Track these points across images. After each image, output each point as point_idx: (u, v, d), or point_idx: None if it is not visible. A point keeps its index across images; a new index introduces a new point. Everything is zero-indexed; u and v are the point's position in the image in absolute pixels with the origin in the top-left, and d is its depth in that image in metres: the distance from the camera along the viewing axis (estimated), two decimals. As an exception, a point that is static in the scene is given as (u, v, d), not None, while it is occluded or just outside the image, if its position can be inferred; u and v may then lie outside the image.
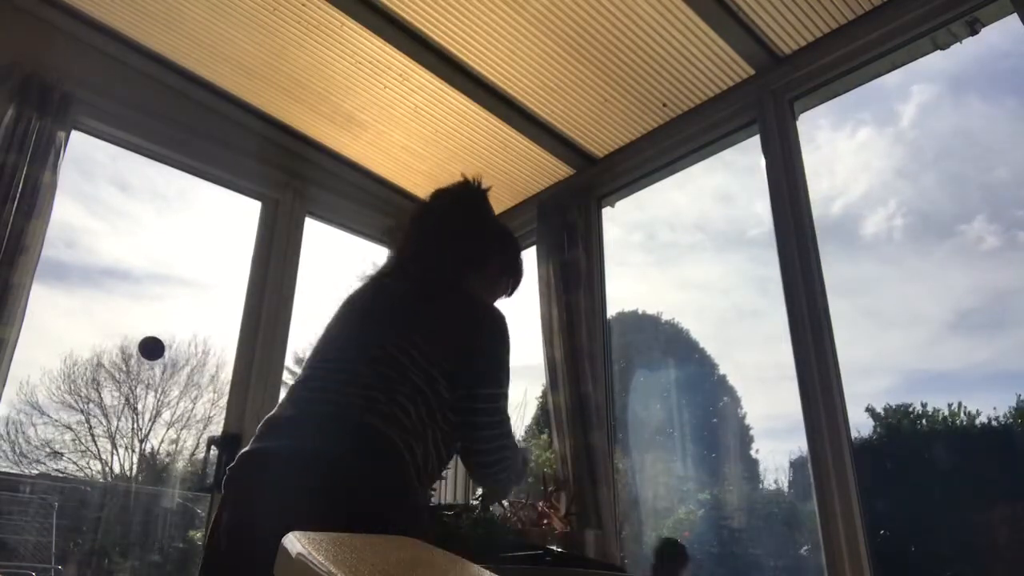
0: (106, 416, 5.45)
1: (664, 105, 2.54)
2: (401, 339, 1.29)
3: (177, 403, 5.79)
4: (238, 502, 1.15)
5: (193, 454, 5.63)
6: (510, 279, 1.62)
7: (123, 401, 5.54)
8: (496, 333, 1.40)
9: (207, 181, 2.68)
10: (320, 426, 1.19)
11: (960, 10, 1.91)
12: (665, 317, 6.30)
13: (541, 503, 2.23)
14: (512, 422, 1.38)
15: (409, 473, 1.18)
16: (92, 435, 5.39)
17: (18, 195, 1.99)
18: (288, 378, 2.63)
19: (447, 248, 1.47)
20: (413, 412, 1.21)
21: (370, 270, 1.50)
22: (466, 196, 1.56)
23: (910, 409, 4.15)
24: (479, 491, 2.01)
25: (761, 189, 2.23)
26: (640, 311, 6.12)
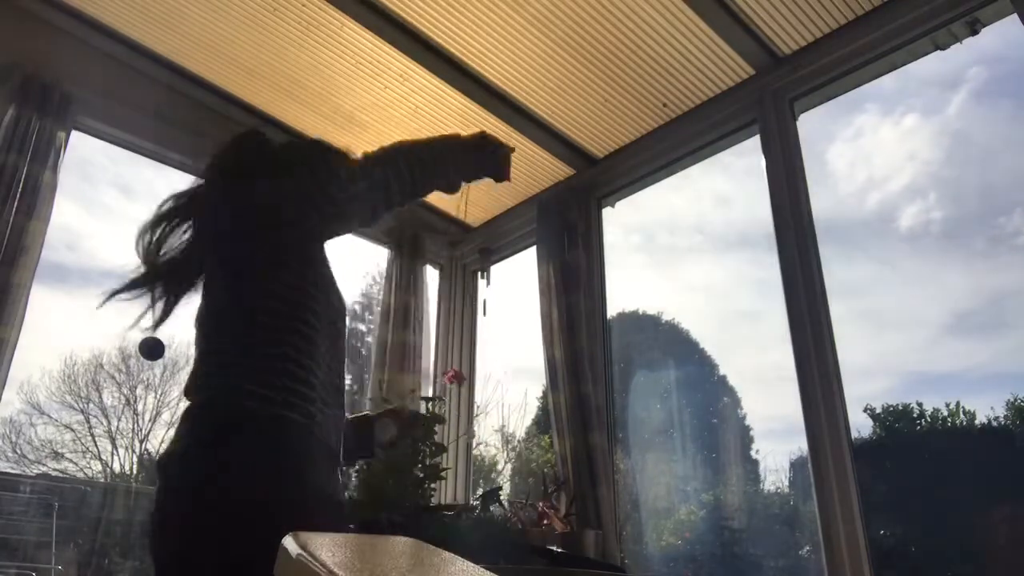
0: (106, 416, 5.45)
1: (664, 105, 2.54)
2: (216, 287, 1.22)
3: (177, 403, 5.79)
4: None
5: (193, 454, 5.62)
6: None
7: (123, 401, 5.55)
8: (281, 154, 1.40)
9: (207, 181, 2.68)
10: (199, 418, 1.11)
11: (960, 10, 1.91)
12: (665, 318, 6.30)
13: (541, 503, 2.23)
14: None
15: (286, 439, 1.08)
16: (92, 435, 5.39)
17: (18, 195, 1.99)
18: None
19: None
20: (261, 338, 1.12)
21: None
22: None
23: (909, 409, 4.15)
24: (479, 491, 2.01)
25: (758, 192, 2.23)
26: (640, 311, 6.12)
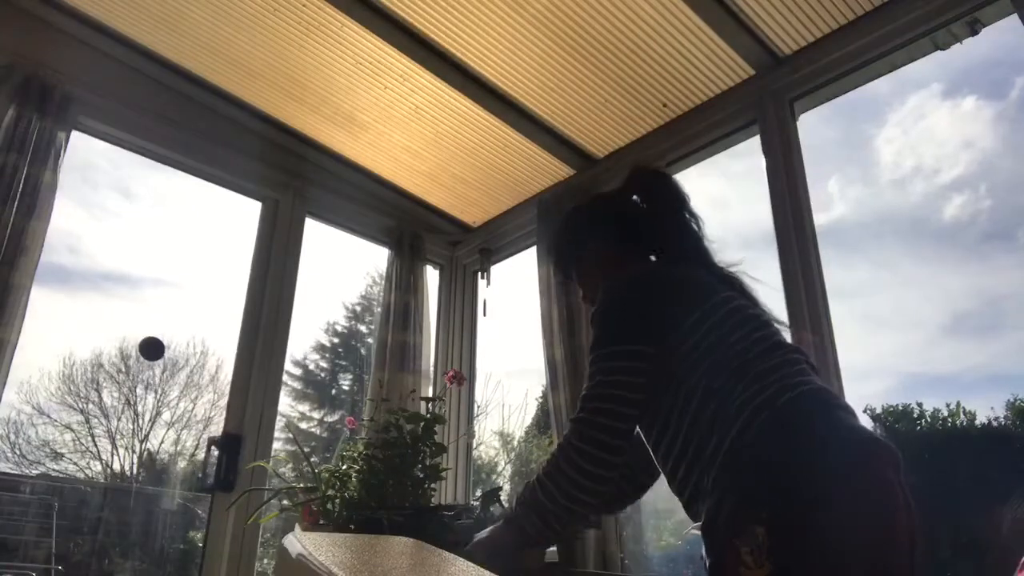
0: (106, 416, 5.46)
1: (664, 105, 2.54)
2: None
3: (177, 403, 5.80)
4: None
5: (193, 454, 5.64)
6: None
7: (123, 401, 5.55)
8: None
9: (207, 182, 2.68)
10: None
11: (960, 10, 1.91)
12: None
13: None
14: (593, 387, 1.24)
15: None
16: (92, 435, 5.40)
17: (18, 195, 1.99)
18: (288, 380, 2.59)
19: None
20: None
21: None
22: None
23: (909, 409, 4.15)
24: (479, 491, 2.01)
25: (755, 195, 2.23)
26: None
